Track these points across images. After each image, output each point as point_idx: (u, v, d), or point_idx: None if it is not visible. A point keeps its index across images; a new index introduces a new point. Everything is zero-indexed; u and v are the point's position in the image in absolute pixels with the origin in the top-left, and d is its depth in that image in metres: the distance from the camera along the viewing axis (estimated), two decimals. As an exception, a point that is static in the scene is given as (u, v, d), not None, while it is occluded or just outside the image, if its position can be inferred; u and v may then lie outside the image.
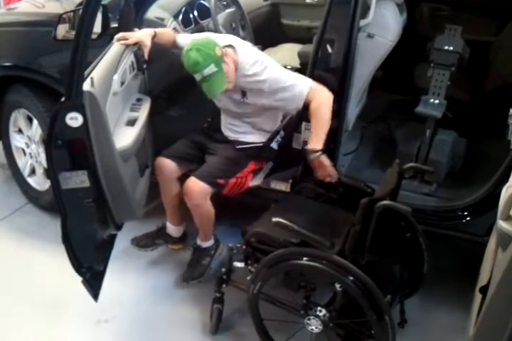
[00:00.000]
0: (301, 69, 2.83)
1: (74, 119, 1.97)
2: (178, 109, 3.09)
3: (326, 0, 2.37)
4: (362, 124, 3.12)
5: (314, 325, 2.14)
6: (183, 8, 2.99)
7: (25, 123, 3.15)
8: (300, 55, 3.06)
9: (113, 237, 2.45)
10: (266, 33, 3.50)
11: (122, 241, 2.76)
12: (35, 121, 3.05)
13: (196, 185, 2.45)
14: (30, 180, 3.30)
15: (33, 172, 3.30)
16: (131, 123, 2.38)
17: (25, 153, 3.28)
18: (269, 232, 2.20)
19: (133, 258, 2.86)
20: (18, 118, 3.18)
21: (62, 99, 1.96)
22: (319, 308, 2.12)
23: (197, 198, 2.48)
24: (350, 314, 2.10)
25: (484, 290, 1.77)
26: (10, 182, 3.46)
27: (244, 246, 2.29)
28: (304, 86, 2.37)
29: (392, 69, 3.36)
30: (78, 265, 2.19)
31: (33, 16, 3.08)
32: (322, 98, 2.38)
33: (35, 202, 3.31)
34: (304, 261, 2.04)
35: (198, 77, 2.32)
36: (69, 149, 2.03)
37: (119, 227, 2.41)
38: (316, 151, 2.39)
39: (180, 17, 2.96)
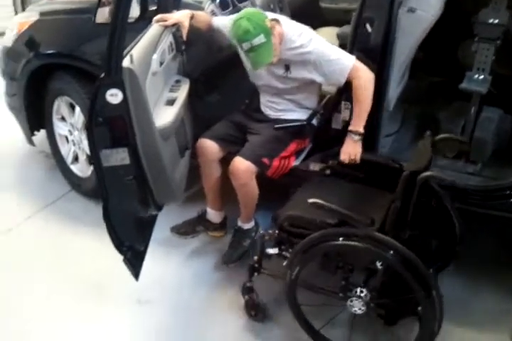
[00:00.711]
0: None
1: (114, 96, 1.99)
2: (216, 95, 3.10)
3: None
4: (403, 106, 3.06)
5: (357, 307, 2.09)
6: (221, -9, 2.98)
7: (67, 110, 3.20)
8: (339, 36, 3.04)
9: (154, 218, 2.45)
10: (304, 17, 3.43)
11: (165, 228, 2.80)
12: (77, 108, 3.10)
13: (242, 165, 2.45)
14: (73, 167, 3.36)
15: (75, 159, 3.35)
16: (171, 103, 2.38)
17: (68, 141, 3.34)
18: (304, 214, 2.16)
19: (175, 245, 2.87)
20: (60, 105, 3.23)
21: (102, 75, 1.98)
22: (360, 289, 2.08)
23: (243, 177, 2.47)
24: (392, 292, 2.05)
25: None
26: (54, 171, 3.52)
27: (277, 232, 2.25)
28: (348, 62, 2.36)
29: (433, 51, 3.29)
30: (119, 243, 2.21)
31: (74, 4, 3.13)
32: (365, 79, 2.36)
33: (77, 189, 3.36)
34: (343, 241, 1.99)
35: (246, 46, 2.32)
36: (109, 126, 2.04)
37: (159, 208, 2.42)
38: (358, 134, 2.41)
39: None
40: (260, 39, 2.29)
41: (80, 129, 3.15)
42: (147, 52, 2.20)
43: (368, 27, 2.45)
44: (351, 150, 2.42)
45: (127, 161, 2.09)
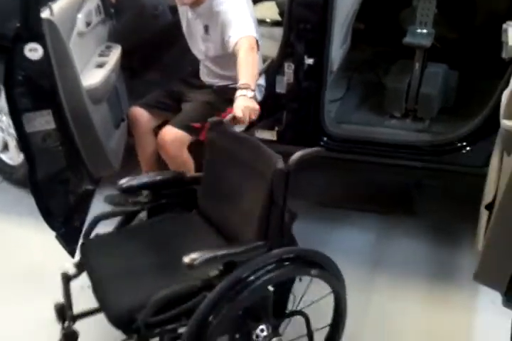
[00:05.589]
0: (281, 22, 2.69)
1: (33, 51, 1.80)
2: (155, 72, 2.94)
3: None
4: (347, 74, 2.98)
5: None
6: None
7: (-6, 95, 2.99)
8: (278, 3, 2.93)
9: (91, 192, 2.26)
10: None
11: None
12: (3, 91, 2.88)
13: (170, 133, 2.30)
14: (3, 156, 3.14)
15: (5, 147, 3.13)
16: (100, 66, 2.21)
17: (-4, 128, 3.12)
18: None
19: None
20: (-14, 91, 3.01)
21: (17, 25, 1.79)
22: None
23: (172, 148, 2.31)
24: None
25: (490, 206, 1.71)
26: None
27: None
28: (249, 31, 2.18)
29: (374, 21, 3.24)
30: (51, 218, 2.01)
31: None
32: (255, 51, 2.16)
33: (9, 178, 3.14)
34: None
35: None
36: (30, 85, 1.85)
37: (95, 181, 2.24)
38: (250, 89, 1.98)
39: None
40: None
41: (7, 113, 2.92)
42: (70, 8, 2.03)
43: None
44: (249, 104, 1.92)
45: (52, 125, 1.90)
